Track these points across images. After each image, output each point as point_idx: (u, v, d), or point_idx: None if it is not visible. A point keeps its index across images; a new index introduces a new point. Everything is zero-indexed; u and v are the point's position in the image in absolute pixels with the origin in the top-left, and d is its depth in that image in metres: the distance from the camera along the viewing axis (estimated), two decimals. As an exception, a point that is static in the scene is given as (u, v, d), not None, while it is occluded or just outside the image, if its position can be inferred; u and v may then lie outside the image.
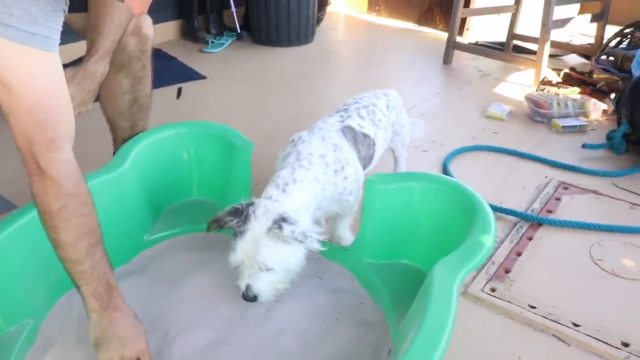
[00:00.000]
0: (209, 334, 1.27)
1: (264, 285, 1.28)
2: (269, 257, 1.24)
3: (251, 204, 1.28)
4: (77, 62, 1.43)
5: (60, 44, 1.05)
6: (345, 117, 1.52)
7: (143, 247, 1.56)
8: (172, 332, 1.28)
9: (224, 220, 1.29)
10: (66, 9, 1.04)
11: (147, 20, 1.52)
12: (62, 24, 1.03)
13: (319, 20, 3.83)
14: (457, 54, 3.28)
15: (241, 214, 1.27)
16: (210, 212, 1.66)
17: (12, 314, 1.26)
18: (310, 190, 1.33)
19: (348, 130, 1.48)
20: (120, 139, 1.69)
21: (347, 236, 1.56)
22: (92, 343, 1.13)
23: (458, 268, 1.11)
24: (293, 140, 1.46)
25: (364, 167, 1.52)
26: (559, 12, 2.83)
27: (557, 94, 2.57)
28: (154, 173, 1.62)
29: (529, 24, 3.32)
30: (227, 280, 1.42)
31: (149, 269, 1.48)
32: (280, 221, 1.21)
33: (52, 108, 1.04)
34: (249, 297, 1.28)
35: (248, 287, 1.27)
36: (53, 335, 1.28)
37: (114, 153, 1.73)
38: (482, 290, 1.45)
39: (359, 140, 1.48)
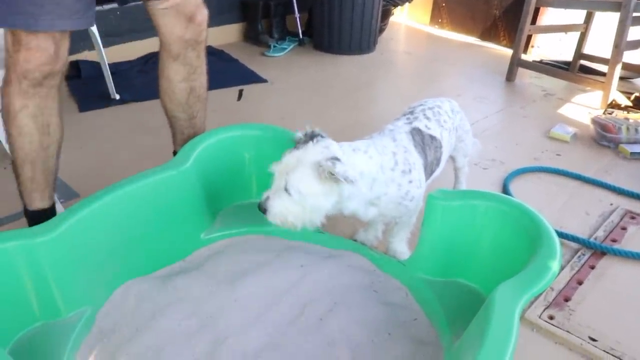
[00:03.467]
0: (260, 338, 1.27)
1: (279, 206, 1.27)
2: (298, 183, 1.23)
3: (322, 136, 1.29)
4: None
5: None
6: (412, 119, 1.51)
7: (199, 245, 1.58)
8: (223, 333, 1.29)
9: (298, 137, 1.32)
10: None
11: (203, 10, 1.54)
12: None
13: (381, 30, 3.82)
14: (521, 71, 3.21)
15: (310, 138, 1.28)
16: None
17: (72, 300, 1.30)
18: (373, 169, 1.32)
19: (416, 133, 1.46)
20: (180, 132, 1.71)
21: (403, 250, 1.55)
22: None
23: (521, 292, 1.07)
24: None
25: (431, 172, 1.50)
26: (633, 33, 2.73)
27: (627, 118, 2.47)
28: (215, 173, 1.64)
29: (598, 43, 3.22)
30: (281, 285, 1.43)
31: (204, 267, 1.50)
32: (334, 159, 1.22)
33: None
34: (261, 207, 1.29)
35: (267, 198, 1.29)
36: (108, 325, 1.31)
37: (174, 151, 1.77)
38: (540, 317, 1.41)
39: (427, 143, 1.47)
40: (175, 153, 1.76)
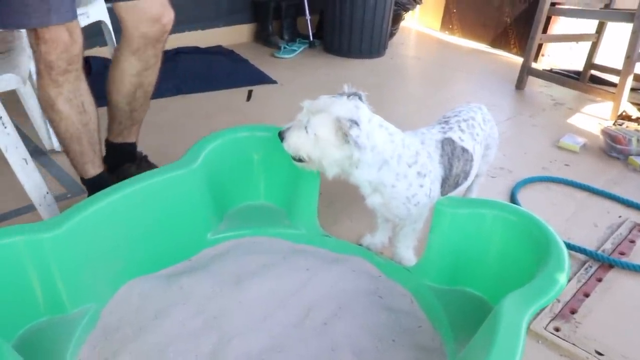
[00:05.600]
0: (264, 340, 1.27)
1: (296, 140, 1.35)
2: (316, 126, 1.31)
3: (361, 98, 1.38)
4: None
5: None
6: (447, 129, 1.51)
7: (205, 245, 1.58)
8: (228, 333, 1.28)
9: (343, 91, 1.40)
10: None
11: (169, 12, 1.61)
12: None
13: (391, 35, 3.82)
14: (531, 80, 3.20)
15: (349, 95, 1.36)
16: (275, 217, 1.68)
17: (77, 296, 1.30)
18: (388, 151, 1.35)
19: (448, 143, 1.47)
20: (118, 122, 1.75)
21: (408, 257, 1.54)
22: None
23: (529, 303, 1.06)
24: None
25: (456, 184, 1.51)
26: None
27: (637, 130, 2.46)
28: (224, 173, 1.64)
29: (609, 54, 3.21)
30: (286, 287, 1.42)
31: (210, 267, 1.49)
32: (354, 122, 1.28)
33: None
34: (281, 134, 1.38)
35: (287, 129, 1.37)
36: (113, 322, 1.31)
37: (106, 140, 1.80)
38: (545, 329, 1.40)
39: (456, 155, 1.47)
40: (107, 141, 1.81)
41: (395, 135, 1.37)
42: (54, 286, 1.26)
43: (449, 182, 1.47)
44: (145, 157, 1.88)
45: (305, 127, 1.33)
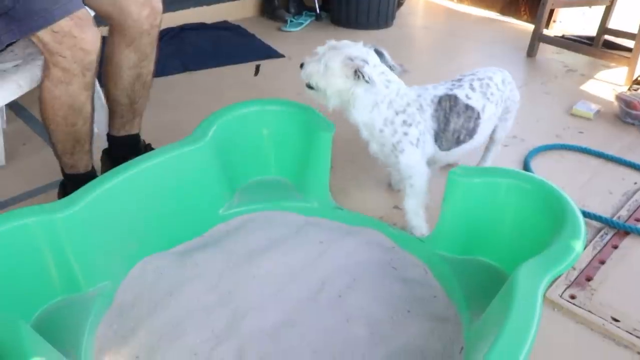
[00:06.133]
0: (278, 314, 1.28)
1: (311, 69, 1.50)
2: (330, 59, 1.46)
3: (378, 50, 1.53)
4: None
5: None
6: (457, 86, 1.57)
7: (217, 221, 1.57)
8: (242, 308, 1.29)
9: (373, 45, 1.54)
10: None
11: None
12: None
13: (399, 5, 3.75)
14: (542, 47, 3.13)
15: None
16: (286, 191, 1.68)
17: (92, 275, 1.30)
18: (380, 94, 1.47)
19: (448, 99, 1.53)
20: (119, 116, 1.69)
21: (418, 224, 1.55)
22: None
23: (545, 271, 1.05)
24: None
25: (458, 140, 1.56)
26: (660, 8, 2.66)
27: (652, 96, 2.41)
28: (234, 149, 1.63)
29: (623, 18, 3.13)
30: (300, 261, 1.43)
31: (222, 243, 1.49)
32: (365, 62, 1.44)
33: None
34: (302, 64, 1.53)
35: (309, 61, 1.52)
36: (128, 300, 1.32)
37: (107, 134, 1.75)
38: (561, 296, 1.39)
39: (456, 111, 1.53)
40: (109, 136, 1.75)
41: (392, 83, 1.49)
42: (68, 266, 1.26)
43: (446, 137, 1.54)
44: (149, 145, 1.83)
45: (321, 60, 1.47)
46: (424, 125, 1.50)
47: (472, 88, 1.56)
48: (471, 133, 1.57)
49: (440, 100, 1.52)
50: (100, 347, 1.19)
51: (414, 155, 1.51)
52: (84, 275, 1.29)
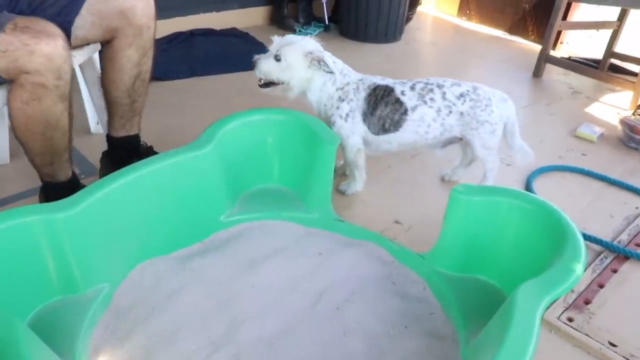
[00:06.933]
0: (276, 324, 1.27)
1: (266, 66, 1.67)
2: (289, 55, 1.65)
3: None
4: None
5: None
6: (401, 83, 1.72)
7: (218, 227, 1.57)
8: (240, 316, 1.28)
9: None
10: None
11: None
12: None
13: (408, 20, 3.78)
14: (549, 67, 3.15)
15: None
16: (288, 201, 1.68)
17: (90, 276, 1.30)
18: (328, 75, 1.71)
19: (384, 89, 1.70)
20: (119, 116, 1.67)
21: (350, 188, 1.81)
22: None
23: (544, 293, 1.05)
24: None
25: (384, 127, 1.71)
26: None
27: (656, 121, 2.42)
28: (237, 156, 1.63)
29: (630, 42, 3.15)
30: (299, 271, 1.42)
31: (222, 249, 1.49)
32: (324, 53, 1.68)
33: None
34: (253, 63, 1.69)
35: (258, 58, 1.69)
36: (125, 302, 1.31)
37: (107, 135, 1.74)
38: (559, 319, 1.39)
39: (385, 101, 1.69)
40: (109, 137, 1.74)
41: (337, 64, 1.72)
42: (67, 266, 1.26)
43: (372, 120, 1.71)
44: (151, 147, 1.81)
45: (275, 56, 1.65)
46: (355, 103, 1.69)
47: (412, 88, 1.69)
48: (396, 125, 1.70)
49: (376, 88, 1.70)
50: (96, 348, 1.19)
51: (343, 128, 1.71)
52: (82, 276, 1.29)
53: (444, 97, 1.68)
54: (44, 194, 1.58)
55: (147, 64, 1.62)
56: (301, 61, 1.65)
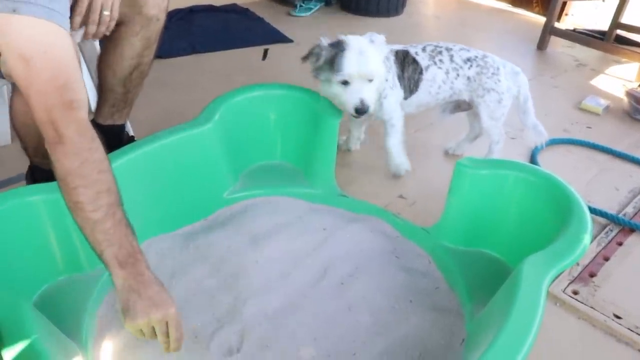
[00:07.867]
0: (280, 300, 1.27)
1: (372, 95, 1.54)
2: (375, 66, 1.55)
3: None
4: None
5: None
6: (412, 46, 1.75)
7: (222, 204, 1.57)
8: (244, 293, 1.28)
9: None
10: None
11: None
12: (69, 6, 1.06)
13: (410, -7, 3.72)
14: (553, 40, 3.11)
15: (338, 45, 1.59)
16: (291, 177, 1.67)
17: (94, 255, 1.29)
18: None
19: (401, 52, 1.71)
20: (110, 105, 1.62)
21: (402, 162, 1.76)
22: (119, 310, 1.04)
23: (550, 265, 1.05)
24: None
25: (410, 89, 1.72)
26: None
27: (663, 92, 2.39)
28: (240, 132, 1.62)
29: (636, 13, 3.10)
30: (303, 247, 1.42)
31: (226, 226, 1.49)
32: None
33: (70, 74, 1.03)
34: (364, 109, 1.51)
35: (362, 101, 1.50)
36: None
37: (93, 121, 1.64)
38: (564, 292, 1.39)
39: (407, 61, 1.70)
40: (93, 124, 1.66)
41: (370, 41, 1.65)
42: (72, 245, 1.26)
43: (403, 83, 1.70)
44: (132, 137, 1.75)
45: (369, 79, 1.53)
46: (393, 70, 1.67)
47: (423, 50, 1.72)
48: (417, 85, 1.71)
49: (397, 52, 1.70)
50: (101, 326, 1.19)
51: (393, 97, 1.68)
52: (87, 255, 1.28)
53: (451, 60, 1.72)
54: (32, 175, 1.55)
55: (149, 57, 1.57)
56: (379, 58, 1.59)
